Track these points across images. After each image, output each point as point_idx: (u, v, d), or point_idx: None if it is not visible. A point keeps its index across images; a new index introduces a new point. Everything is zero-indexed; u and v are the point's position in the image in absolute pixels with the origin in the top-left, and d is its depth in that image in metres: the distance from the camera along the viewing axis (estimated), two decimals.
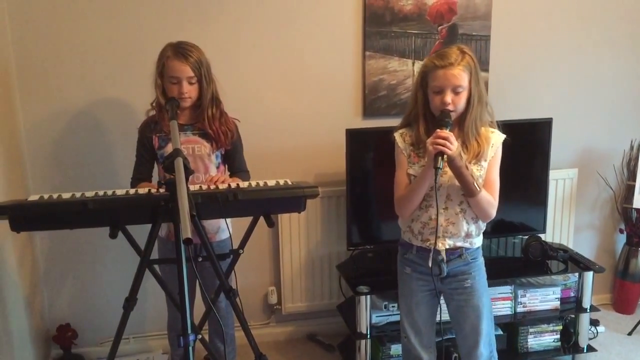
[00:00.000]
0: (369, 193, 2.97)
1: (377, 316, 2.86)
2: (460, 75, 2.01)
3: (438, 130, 1.98)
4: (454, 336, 2.86)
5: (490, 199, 2.09)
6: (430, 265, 2.15)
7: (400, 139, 2.19)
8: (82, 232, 2.47)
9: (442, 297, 2.29)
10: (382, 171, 2.96)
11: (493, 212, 2.12)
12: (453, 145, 1.95)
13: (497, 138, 2.15)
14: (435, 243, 2.12)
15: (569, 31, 3.27)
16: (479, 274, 2.22)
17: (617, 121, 3.46)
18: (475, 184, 2.04)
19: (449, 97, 2.02)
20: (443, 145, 1.94)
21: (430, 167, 1.99)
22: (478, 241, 2.21)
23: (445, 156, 1.96)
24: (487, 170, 2.12)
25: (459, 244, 2.16)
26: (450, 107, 2.02)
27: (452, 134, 1.98)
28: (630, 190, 3.38)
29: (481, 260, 2.24)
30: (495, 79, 3.16)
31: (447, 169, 2.04)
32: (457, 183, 2.08)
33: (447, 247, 2.15)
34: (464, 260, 2.17)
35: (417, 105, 2.13)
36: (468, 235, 2.16)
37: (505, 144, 2.17)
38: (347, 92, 3.09)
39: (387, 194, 2.97)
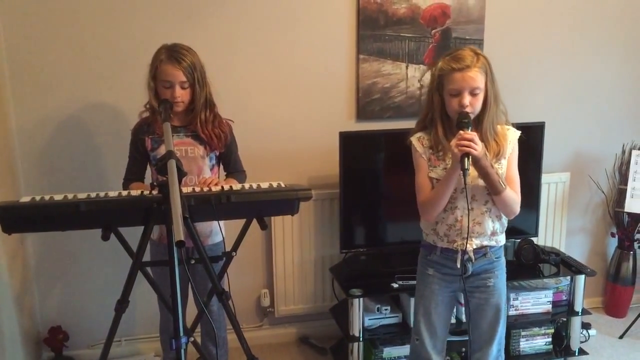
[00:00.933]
0: (362, 196, 2.97)
1: (369, 319, 2.86)
2: (477, 77, 2.02)
3: (461, 131, 1.98)
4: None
5: (514, 195, 2.11)
6: (458, 266, 2.15)
7: (417, 143, 2.18)
8: (74, 233, 2.46)
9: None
10: (376, 174, 2.98)
11: (517, 208, 2.14)
12: (478, 146, 1.96)
13: (513, 135, 2.17)
14: (466, 244, 2.12)
15: (562, 35, 3.29)
16: (502, 274, 2.24)
17: (609, 125, 3.48)
18: (500, 182, 2.05)
19: (467, 99, 2.02)
20: (468, 147, 1.94)
21: (455, 169, 1.99)
22: (502, 238, 2.22)
23: (470, 157, 1.96)
24: (507, 167, 2.14)
25: (485, 242, 2.17)
26: (468, 109, 2.03)
27: (475, 134, 1.99)
28: (621, 194, 3.40)
29: (504, 260, 2.25)
30: None
31: (470, 170, 2.03)
32: (480, 183, 2.08)
33: (475, 247, 2.16)
34: (488, 258, 2.19)
35: (434, 108, 2.13)
36: (494, 233, 2.17)
37: (520, 140, 2.19)
38: (341, 95, 3.10)
39: (381, 197, 2.99)
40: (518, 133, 2.19)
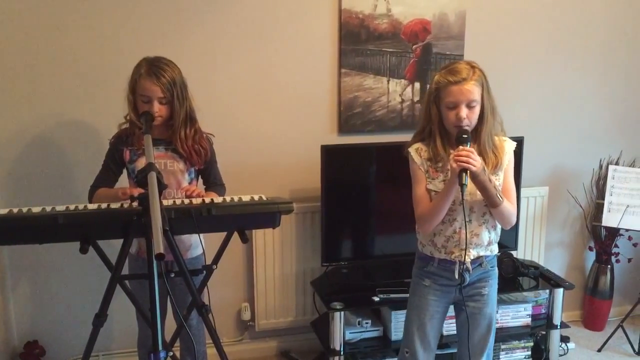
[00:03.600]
0: (344, 209, 2.97)
1: (350, 332, 2.86)
2: (474, 90, 2.04)
3: (460, 147, 2.00)
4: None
5: (510, 207, 2.13)
6: (456, 277, 2.17)
7: (415, 154, 2.18)
8: (52, 246, 2.42)
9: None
10: (358, 187, 2.99)
11: (514, 219, 2.17)
12: (477, 161, 1.98)
13: (509, 146, 2.20)
14: (464, 257, 2.13)
15: (541, 51, 3.35)
16: (495, 282, 2.27)
17: (587, 141, 3.54)
18: (498, 195, 2.07)
19: (464, 112, 2.04)
20: (467, 162, 1.95)
21: (453, 183, 2.00)
22: (496, 248, 2.25)
23: (469, 172, 1.97)
24: (504, 178, 2.16)
25: (482, 253, 2.19)
26: (465, 122, 2.04)
27: (473, 150, 2.00)
28: (599, 209, 3.44)
29: (497, 269, 2.28)
30: None
31: (468, 184, 2.04)
32: (479, 196, 2.10)
33: (472, 257, 2.17)
34: (483, 268, 2.21)
35: (432, 120, 2.14)
36: (490, 243, 2.20)
37: (514, 151, 2.22)
38: (323, 108, 3.11)
39: (363, 210, 3.00)
40: (514, 144, 2.22)
